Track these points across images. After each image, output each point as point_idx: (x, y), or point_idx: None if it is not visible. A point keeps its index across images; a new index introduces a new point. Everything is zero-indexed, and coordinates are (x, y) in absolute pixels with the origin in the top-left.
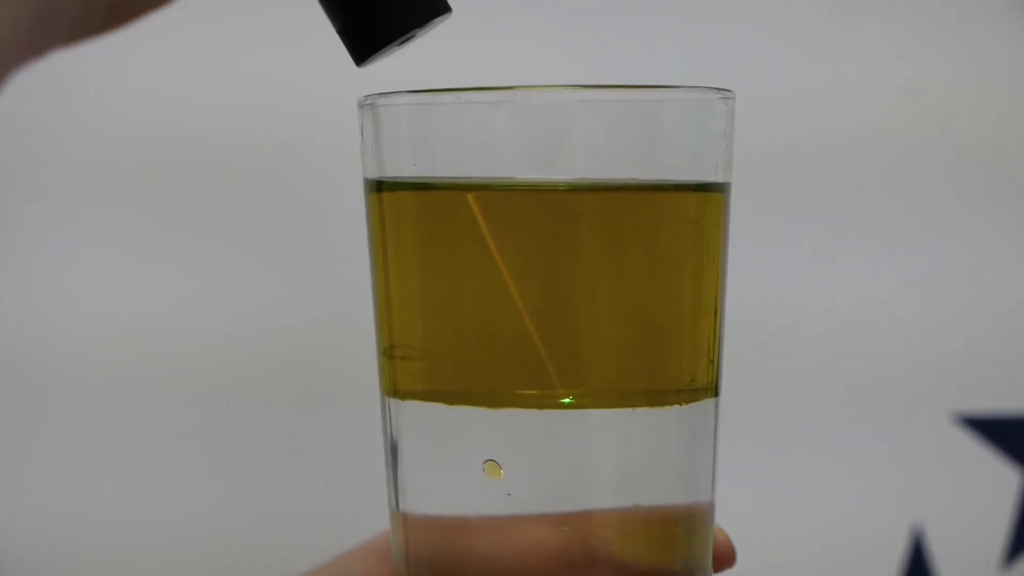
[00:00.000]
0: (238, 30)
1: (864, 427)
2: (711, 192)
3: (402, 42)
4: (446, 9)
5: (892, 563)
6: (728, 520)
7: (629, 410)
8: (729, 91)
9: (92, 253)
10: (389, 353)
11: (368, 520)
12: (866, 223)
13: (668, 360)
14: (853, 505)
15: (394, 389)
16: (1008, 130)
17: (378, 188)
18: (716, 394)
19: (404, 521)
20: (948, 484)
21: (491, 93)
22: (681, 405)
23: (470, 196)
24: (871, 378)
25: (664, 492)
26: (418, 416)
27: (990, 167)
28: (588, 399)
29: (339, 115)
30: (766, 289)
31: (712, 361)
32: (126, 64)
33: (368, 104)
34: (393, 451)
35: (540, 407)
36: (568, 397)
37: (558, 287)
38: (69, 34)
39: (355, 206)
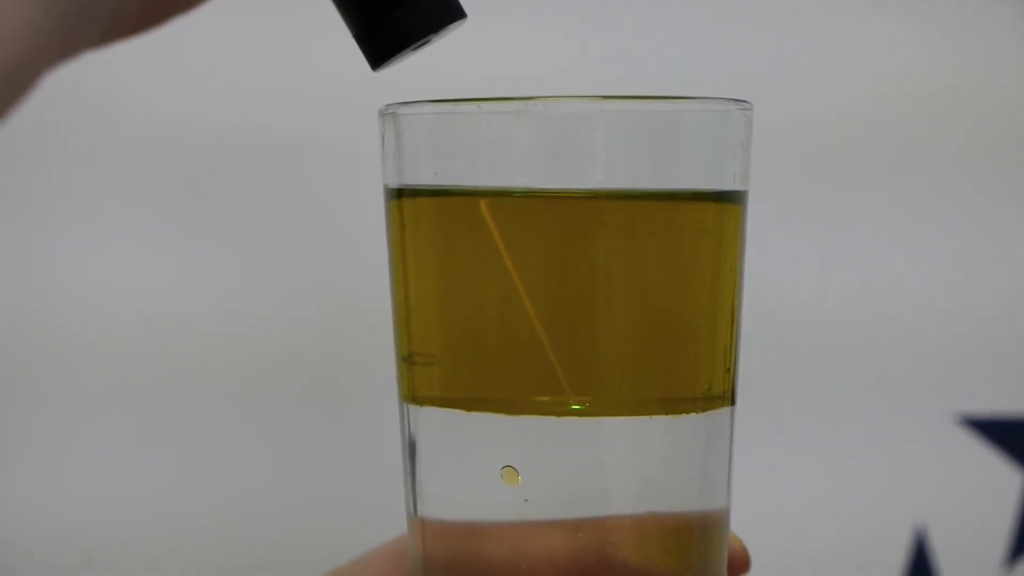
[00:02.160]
0: (253, 23)
1: (867, 427)
2: (729, 202)
3: (417, 47)
4: (461, 15)
5: (895, 563)
6: (732, 520)
7: (646, 418)
8: (747, 102)
9: (103, 246)
10: (408, 359)
11: (383, 524)
12: (865, 224)
13: (685, 368)
14: (856, 505)
15: (412, 395)
16: (1016, 121)
17: (398, 196)
18: (732, 402)
19: (422, 526)
20: (951, 485)
21: (511, 103)
22: (698, 413)
23: (483, 203)
24: (874, 378)
25: (680, 499)
26: (436, 422)
27: (1001, 163)
28: (606, 406)
29: (353, 110)
30: (767, 286)
31: (728, 369)
32: (142, 56)
33: (389, 113)
34: (411, 456)
35: (558, 414)
36: (586, 404)
37: (577, 295)
38: (100, 36)
39: (369, 201)
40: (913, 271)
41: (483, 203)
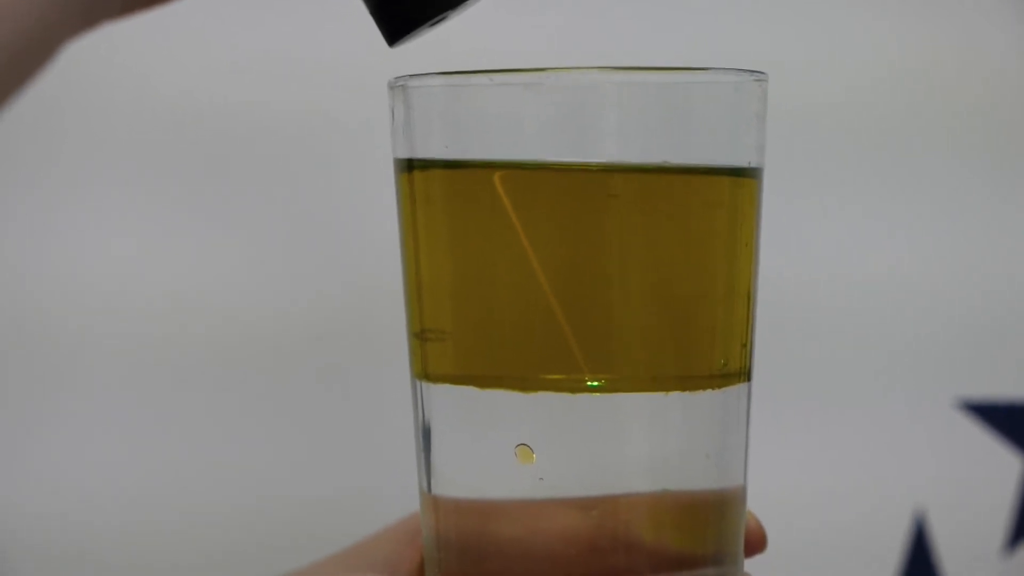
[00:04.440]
0: (267, 3)
1: (868, 412)
2: (744, 175)
3: (434, 23)
4: None
5: (894, 548)
6: None
7: (662, 394)
8: (762, 73)
9: (111, 228)
10: (420, 336)
11: (395, 502)
12: (867, 210)
13: (701, 344)
14: (856, 490)
15: (425, 372)
16: (1018, 109)
17: (409, 169)
18: (748, 379)
19: (435, 504)
20: (951, 470)
21: (523, 75)
22: (714, 389)
23: (496, 176)
24: (874, 364)
25: (696, 477)
26: (450, 399)
27: (1003, 150)
28: (621, 383)
29: (367, 87)
30: (767, 271)
31: (744, 345)
32: (148, 35)
33: (399, 85)
34: (425, 434)
35: (573, 391)
36: (601, 381)
37: (591, 271)
38: (119, 8)
39: (381, 176)
40: (914, 257)
41: (496, 176)
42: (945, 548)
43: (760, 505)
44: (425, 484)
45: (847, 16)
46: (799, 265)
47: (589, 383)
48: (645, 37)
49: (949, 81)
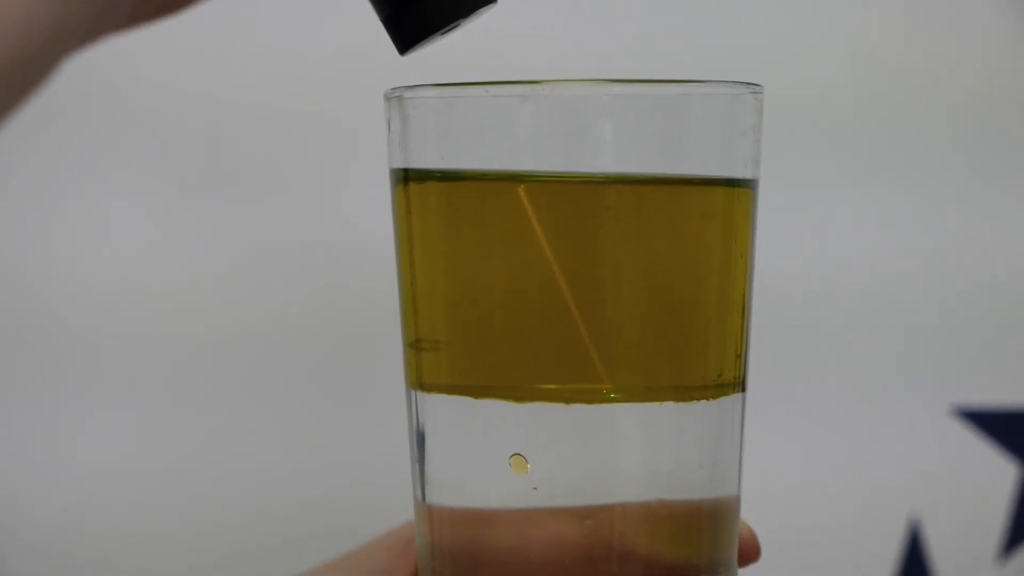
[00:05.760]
0: (267, 3)
1: (862, 419)
2: (739, 186)
3: (446, 32)
4: None
5: (889, 555)
6: None
7: (656, 404)
8: (758, 85)
9: (110, 224)
10: (415, 345)
11: (391, 510)
12: (860, 215)
13: (696, 355)
14: (850, 496)
15: (420, 382)
16: (1012, 105)
17: (404, 180)
18: (743, 389)
19: (430, 513)
20: (946, 476)
21: (518, 87)
22: (708, 400)
23: (520, 188)
24: (869, 369)
25: (690, 487)
26: (444, 409)
27: (1002, 150)
28: (616, 394)
29: (368, 88)
30: (764, 273)
31: (739, 356)
32: (155, 35)
33: (395, 96)
34: (419, 444)
35: (567, 401)
36: (607, 391)
37: (586, 282)
38: (124, 21)
39: (385, 182)
40: (908, 264)
41: (520, 188)
42: (940, 554)
43: (756, 509)
44: (419, 493)
45: (841, 9)
46: (790, 271)
47: (611, 395)
48: (643, 35)
49: (945, 75)
